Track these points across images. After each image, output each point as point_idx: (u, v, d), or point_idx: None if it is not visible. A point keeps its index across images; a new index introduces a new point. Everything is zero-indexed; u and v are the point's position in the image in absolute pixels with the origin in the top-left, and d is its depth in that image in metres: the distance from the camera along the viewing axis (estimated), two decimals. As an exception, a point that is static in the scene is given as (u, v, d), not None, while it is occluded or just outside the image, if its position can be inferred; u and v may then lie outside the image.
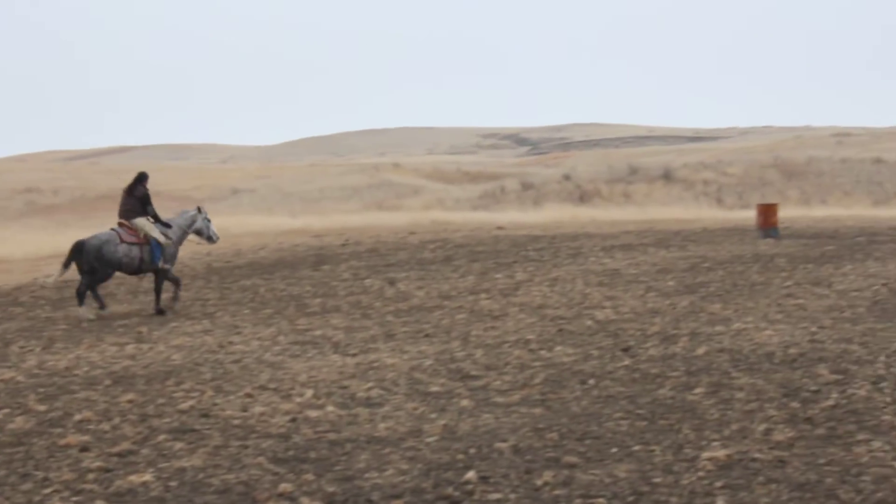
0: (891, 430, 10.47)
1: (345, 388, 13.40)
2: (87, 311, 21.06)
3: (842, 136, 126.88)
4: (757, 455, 9.75)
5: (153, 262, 21.67)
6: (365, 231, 42.54)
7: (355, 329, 18.17)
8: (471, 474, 9.46)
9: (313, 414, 12.05)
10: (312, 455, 10.38)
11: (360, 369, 14.54)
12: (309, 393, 13.07)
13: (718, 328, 16.85)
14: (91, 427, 11.81)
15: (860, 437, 10.29)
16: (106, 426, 11.84)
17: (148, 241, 21.64)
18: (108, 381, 14.33)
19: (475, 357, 15.17)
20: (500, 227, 43.36)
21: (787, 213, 44.74)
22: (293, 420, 11.81)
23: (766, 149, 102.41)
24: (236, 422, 11.83)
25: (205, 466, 10.10)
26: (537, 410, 11.94)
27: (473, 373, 14.10)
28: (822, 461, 9.55)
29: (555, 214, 50.33)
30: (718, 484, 9.02)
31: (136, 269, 21.79)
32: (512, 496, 8.98)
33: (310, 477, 9.62)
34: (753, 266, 25.55)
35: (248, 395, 13.08)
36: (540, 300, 20.82)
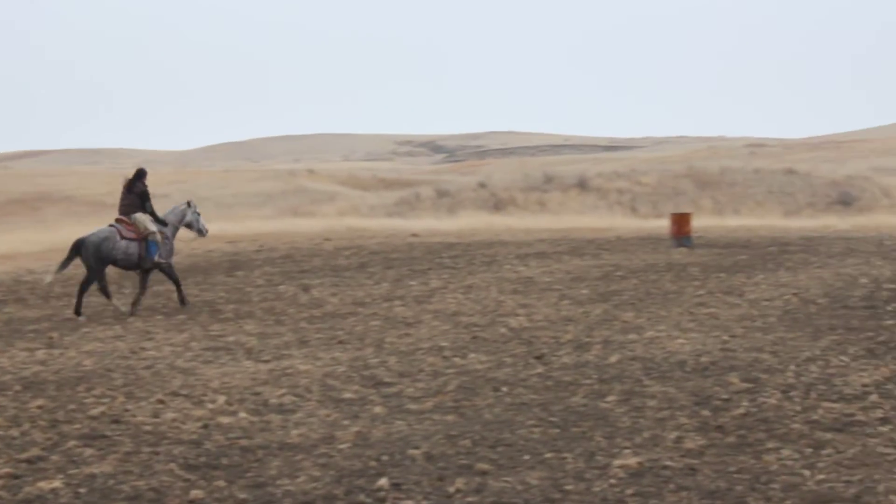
0: (800, 439, 10.59)
1: (257, 394, 13.35)
2: (120, 303, 22.11)
3: (755, 146, 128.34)
4: (668, 462, 9.82)
5: (149, 258, 22.22)
6: (279, 237, 42.33)
7: (269, 335, 18.09)
8: (383, 481, 9.46)
9: (225, 420, 12.00)
10: (224, 462, 10.33)
11: (273, 376, 14.49)
12: (221, 399, 13.01)
13: (631, 336, 16.95)
14: (0, 433, 11.68)
15: (770, 445, 10.40)
16: (15, 432, 11.71)
17: (145, 237, 22.23)
18: (17, 387, 14.17)
19: (388, 364, 15.16)
20: (414, 235, 43.31)
21: (701, 223, 45.01)
22: (205, 426, 11.74)
23: (680, 159, 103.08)
24: (147, 428, 11.75)
25: (115, 473, 10.01)
26: (450, 417, 11.95)
27: (387, 380, 14.10)
28: (732, 469, 9.64)
29: (470, 222, 50.29)
30: (629, 491, 9.08)
31: (134, 265, 22.39)
32: (424, 503, 8.99)
33: (221, 484, 9.58)
34: (666, 275, 25.71)
35: (160, 402, 12.99)
36: (454, 307, 20.83)
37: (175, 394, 13.43)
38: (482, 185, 65.86)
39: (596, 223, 48.93)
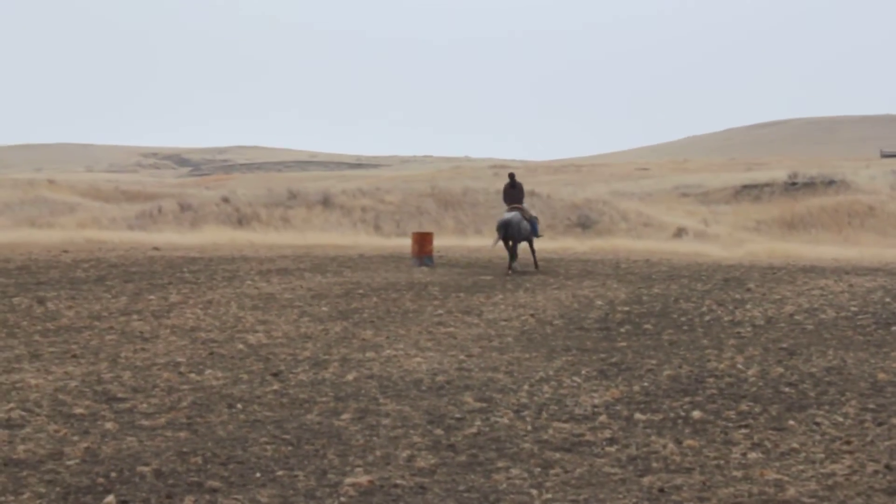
0: (529, 458, 10.74)
1: (-17, 409, 12.96)
2: (517, 265, 32.83)
3: (499, 168, 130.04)
4: (399, 481, 9.85)
5: (534, 233, 33.43)
6: (15, 248, 41.26)
7: (-1, 348, 17.60)
8: (110, 498, 9.27)
9: (-53, 436, 11.61)
10: (-57, 479, 9.99)
11: (2, 390, 14.07)
12: (-56, 414, 12.59)
13: (369, 354, 17.01)
14: None
15: (500, 464, 10.52)
16: None
17: (529, 219, 33.01)
18: None
19: (123, 379, 14.89)
20: (156, 248, 42.81)
21: (443, 242, 45.59)
22: (-74, 442, 11.35)
23: (424, 178, 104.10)
24: None
25: None
26: (183, 434, 11.79)
27: (120, 395, 13.84)
28: (462, 488, 9.71)
29: (213, 237, 49.95)
30: (359, 510, 9.08)
31: (526, 239, 33.08)
32: (151, 522, 8.85)
33: (-61, 502, 9.26)
34: (407, 293, 25.90)
35: None
36: (193, 322, 20.61)
37: None
38: (226, 200, 65.38)
39: (339, 240, 49.13)
